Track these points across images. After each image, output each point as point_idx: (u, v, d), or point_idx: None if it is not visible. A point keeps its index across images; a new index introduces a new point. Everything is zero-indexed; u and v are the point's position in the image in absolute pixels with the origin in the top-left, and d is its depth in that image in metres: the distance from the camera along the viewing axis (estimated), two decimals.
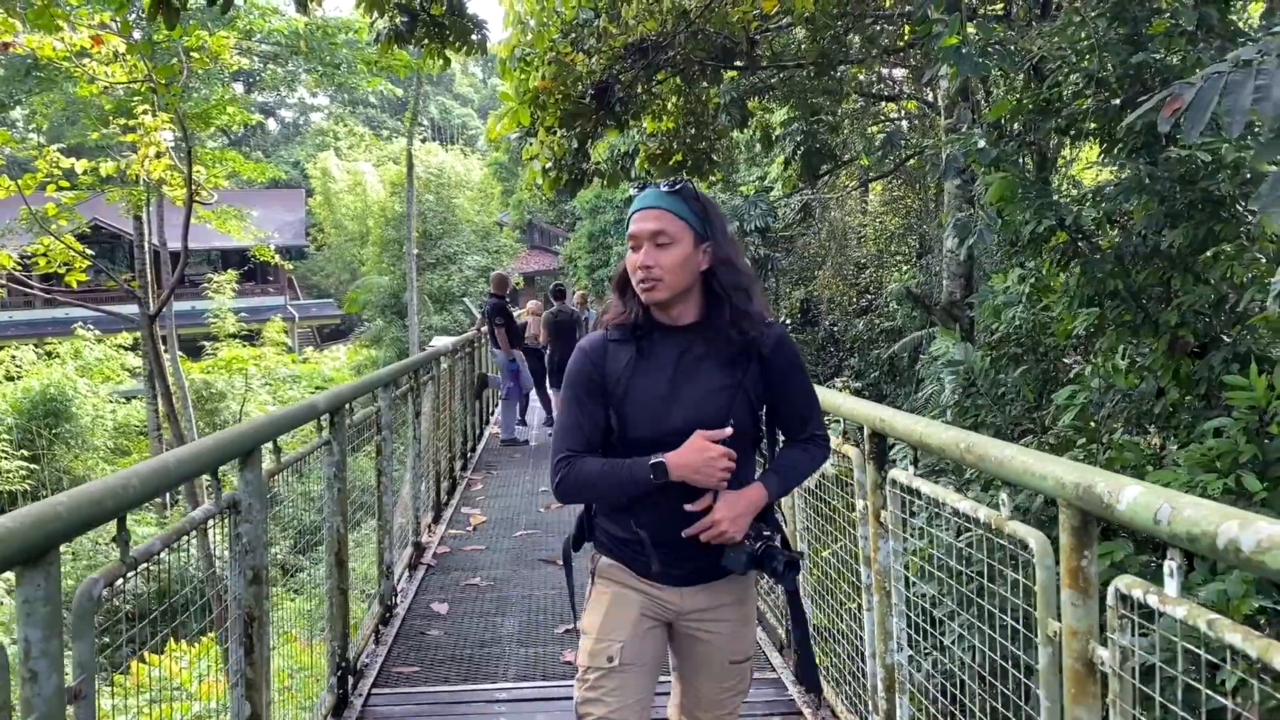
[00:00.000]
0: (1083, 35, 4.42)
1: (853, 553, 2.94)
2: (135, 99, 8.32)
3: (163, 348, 21.31)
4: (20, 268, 8.85)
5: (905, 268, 16.18)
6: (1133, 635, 1.35)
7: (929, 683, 2.38)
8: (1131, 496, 1.30)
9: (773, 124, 13.20)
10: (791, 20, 8.65)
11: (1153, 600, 1.29)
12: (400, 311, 30.85)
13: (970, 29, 4.55)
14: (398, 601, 4.97)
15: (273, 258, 19.87)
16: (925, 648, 2.42)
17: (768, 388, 2.09)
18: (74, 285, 9.75)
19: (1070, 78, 4.45)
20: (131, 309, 18.16)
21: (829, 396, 2.94)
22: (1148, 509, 1.28)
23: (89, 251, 9.97)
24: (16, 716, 1.35)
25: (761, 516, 2.07)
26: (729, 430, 1.98)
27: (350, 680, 3.73)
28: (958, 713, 2.21)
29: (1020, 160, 5.36)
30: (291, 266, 28.60)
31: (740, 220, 14.50)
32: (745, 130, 11.85)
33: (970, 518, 2.04)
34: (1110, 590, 1.45)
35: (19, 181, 8.40)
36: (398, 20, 7.23)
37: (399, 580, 5.24)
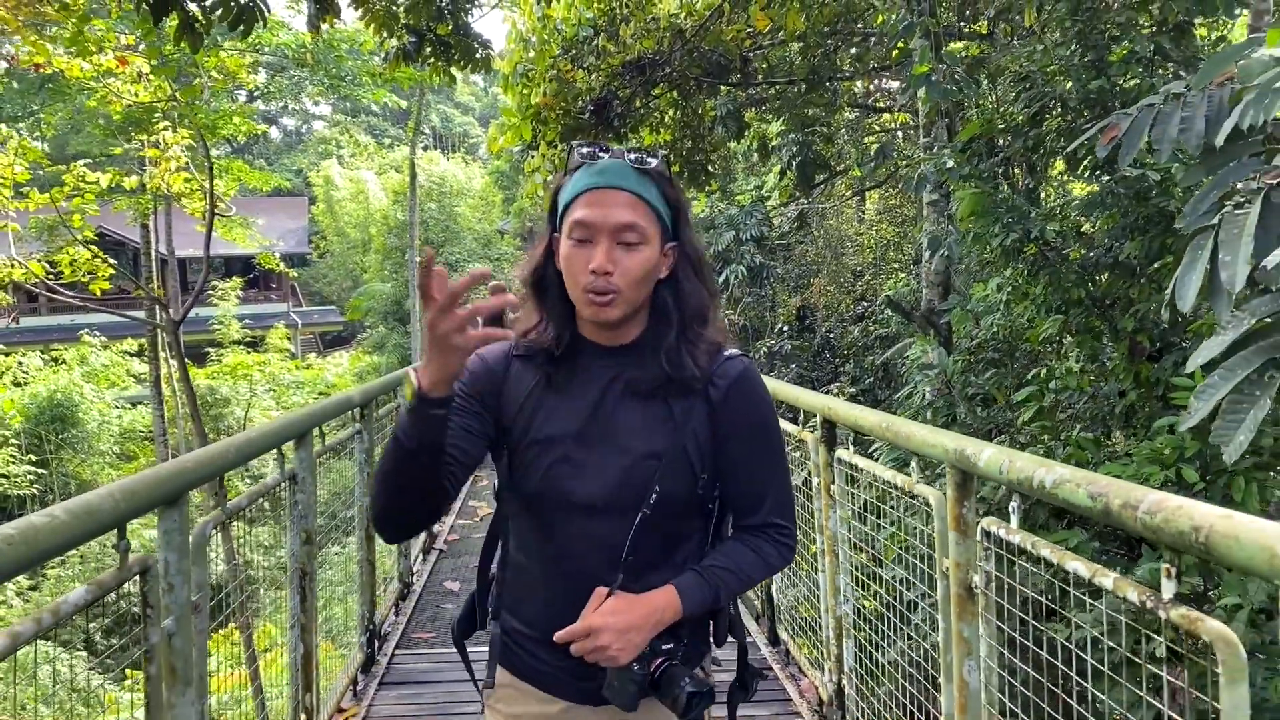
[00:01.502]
0: (1048, 60, 4.75)
1: (810, 524, 3.33)
2: (155, 114, 8.67)
3: (167, 354, 21.63)
4: (51, 276, 9.21)
5: (901, 275, 16.48)
6: (994, 564, 1.72)
7: (867, 626, 2.75)
8: (987, 456, 1.75)
9: (769, 134, 13.54)
10: (784, 37, 8.98)
11: (1002, 532, 1.73)
12: (402, 318, 31.19)
13: (955, 46, 4.87)
14: (414, 580, 5.51)
15: (277, 265, 20.19)
16: (863, 596, 2.82)
17: (716, 444, 1.50)
18: (97, 293, 10.14)
19: (1036, 100, 4.77)
20: (137, 314, 18.45)
21: (787, 390, 3.40)
22: (995, 464, 1.77)
23: (111, 261, 10.33)
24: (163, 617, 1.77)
25: (675, 628, 1.46)
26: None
27: (376, 643, 4.26)
28: (886, 645, 2.58)
29: (1010, 171, 5.68)
30: (295, 274, 28.93)
31: (737, 229, 14.81)
32: (742, 141, 12.19)
33: (890, 484, 2.42)
34: (978, 529, 1.85)
35: (51, 193, 8.77)
36: (406, 40, 7.57)
37: (415, 562, 5.76)
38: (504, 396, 1.54)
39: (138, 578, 1.67)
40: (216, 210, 9.91)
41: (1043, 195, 6.35)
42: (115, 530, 1.56)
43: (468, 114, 63.88)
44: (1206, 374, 1.93)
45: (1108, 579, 1.64)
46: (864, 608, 2.83)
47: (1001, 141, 5.38)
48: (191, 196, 10.07)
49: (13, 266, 8.60)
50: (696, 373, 1.47)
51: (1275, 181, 1.89)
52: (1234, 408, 1.76)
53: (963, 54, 6.50)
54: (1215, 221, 1.91)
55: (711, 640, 1.57)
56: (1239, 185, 1.98)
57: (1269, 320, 1.80)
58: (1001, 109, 4.95)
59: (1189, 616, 1.43)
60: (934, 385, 5.00)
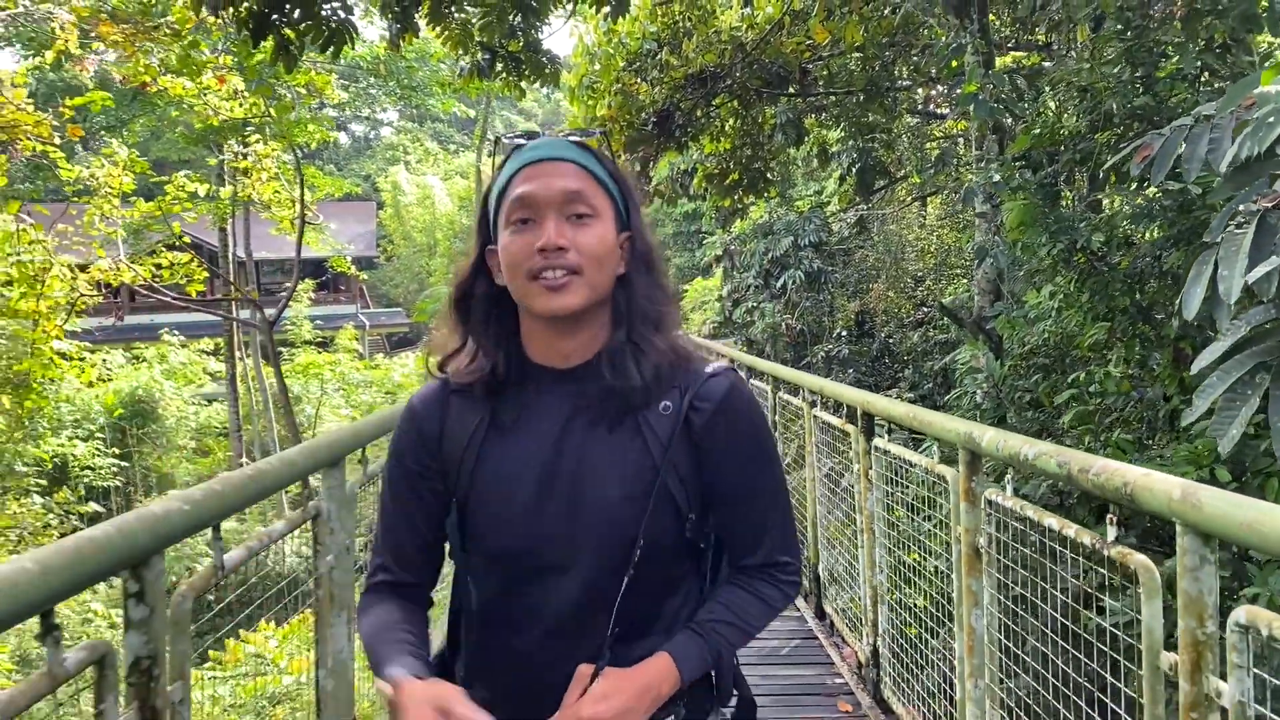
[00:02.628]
0: (1096, 77, 4.93)
1: (852, 505, 3.68)
2: (247, 128, 9.33)
3: (242, 352, 22.50)
4: (155, 279, 9.92)
5: (962, 281, 16.47)
6: (994, 527, 2.02)
7: (899, 592, 3.06)
8: (987, 438, 2.10)
9: (829, 140, 13.71)
10: (843, 49, 9.19)
11: (999, 499, 2.03)
12: None
13: (1008, 58, 5.05)
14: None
15: (348, 268, 20.95)
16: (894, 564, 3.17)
17: (704, 477, 1.29)
18: (193, 294, 10.82)
19: (1086, 114, 4.95)
20: (219, 315, 19.35)
21: (827, 385, 3.77)
22: (993, 443, 2.12)
23: (207, 264, 11.02)
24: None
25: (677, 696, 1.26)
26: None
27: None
28: (913, 605, 2.88)
29: (1072, 178, 5.85)
30: (364, 276, 29.82)
31: (795, 235, 14.99)
32: (801, 147, 12.39)
33: (914, 465, 2.76)
34: (982, 499, 2.18)
35: (157, 201, 9.47)
36: (480, 57, 7.98)
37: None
38: (444, 442, 1.31)
39: (311, 521, 2.18)
40: (305, 218, 10.48)
41: (1105, 204, 6.49)
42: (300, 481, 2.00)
43: (531, 120, 64.83)
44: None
45: (1071, 530, 2.03)
46: (900, 568, 3.20)
47: (1057, 153, 5.55)
48: (280, 204, 10.70)
49: (121, 269, 9.28)
50: (638, 383, 1.25)
51: (1271, 204, 2.10)
52: (1228, 406, 1.99)
53: (1018, 66, 6.67)
54: (1219, 239, 2.13)
55: (715, 698, 1.33)
56: (1240, 207, 2.19)
57: (1264, 328, 2.02)
58: (1053, 123, 5.14)
59: (1123, 552, 1.84)
60: (982, 389, 5.20)
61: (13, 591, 0.94)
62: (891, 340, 18.63)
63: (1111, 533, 1.85)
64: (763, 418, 1.35)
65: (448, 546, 1.35)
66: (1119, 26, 4.85)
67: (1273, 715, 1.44)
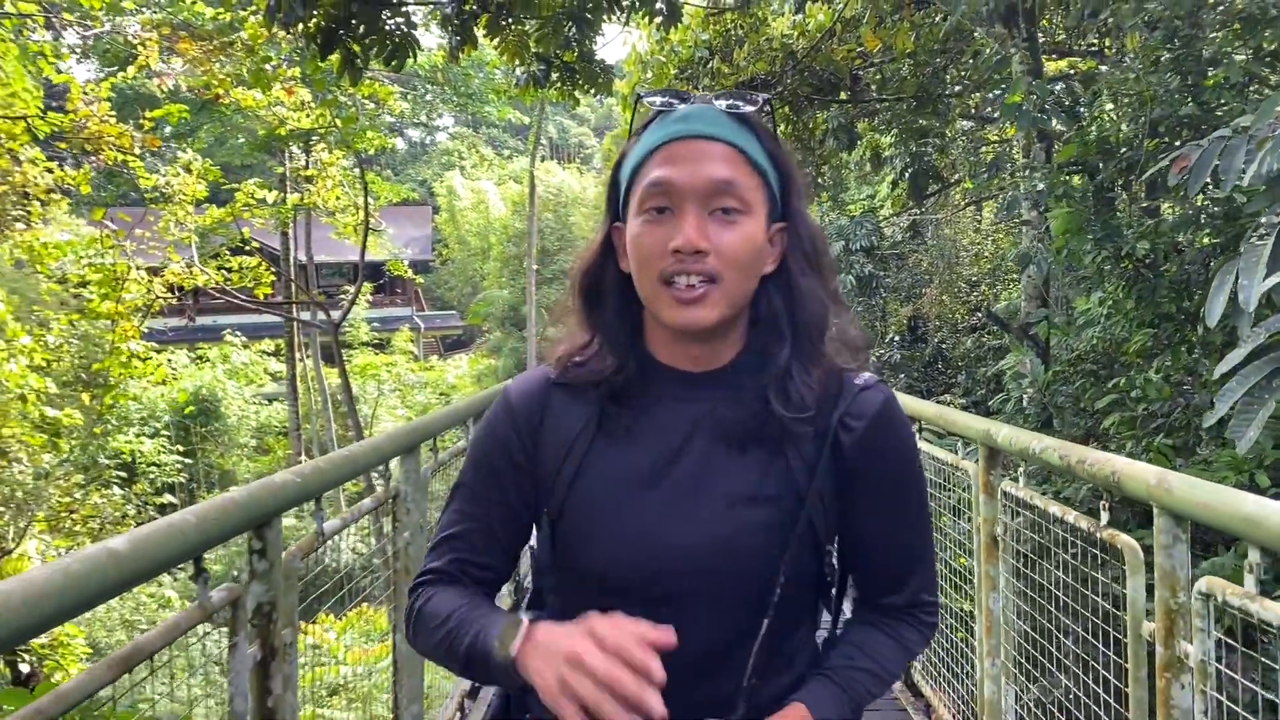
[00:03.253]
0: (1141, 86, 4.99)
1: None
2: (312, 137, 9.79)
3: (302, 353, 23.13)
4: (225, 281, 10.43)
5: (1018, 286, 16.35)
6: (1012, 518, 2.20)
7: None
8: (1001, 433, 2.32)
9: (882, 144, 13.73)
10: (894, 56, 9.26)
11: (1014, 490, 2.21)
12: (519, 324, 32.41)
13: (1060, 64, 5.11)
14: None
15: (405, 272, 21.46)
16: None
17: (846, 504, 1.15)
18: (262, 296, 11.32)
19: (1132, 122, 5.01)
20: (280, 316, 19.98)
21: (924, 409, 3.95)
22: (1008, 439, 2.33)
23: (273, 269, 11.52)
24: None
25: None
26: (671, 638, 0.92)
27: None
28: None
29: (1129, 184, 5.90)
30: (421, 280, 30.44)
31: (846, 240, 15.02)
32: (854, 151, 12.44)
33: (945, 461, 2.96)
34: (999, 491, 2.36)
35: (228, 207, 9.98)
36: (535, 68, 8.24)
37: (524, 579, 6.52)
38: (541, 445, 1.15)
39: (391, 500, 2.43)
40: (370, 224, 10.87)
41: (1165, 210, 6.51)
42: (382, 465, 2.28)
43: (583, 125, 65.36)
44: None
45: (1071, 515, 2.24)
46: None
47: (1105, 161, 5.61)
48: (343, 210, 11.15)
49: (194, 273, 9.77)
50: (811, 408, 1.08)
51: None
52: (1246, 409, 2.10)
53: (1070, 71, 6.71)
54: (1241, 250, 2.23)
55: None
56: (1264, 219, 2.29)
57: (1272, 335, 2.13)
58: (1101, 131, 5.21)
59: (1112, 534, 2.05)
60: (1027, 394, 5.29)
61: (181, 539, 1.16)
62: (945, 346, 18.53)
63: (1104, 518, 2.07)
64: (914, 439, 1.22)
65: (524, 565, 1.23)
66: (1163, 37, 4.91)
67: (1227, 670, 1.63)
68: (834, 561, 1.16)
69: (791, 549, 1.08)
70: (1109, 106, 5.20)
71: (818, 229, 1.16)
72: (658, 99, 1.11)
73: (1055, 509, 2.25)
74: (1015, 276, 17.10)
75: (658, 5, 7.88)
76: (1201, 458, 4.59)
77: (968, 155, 13.71)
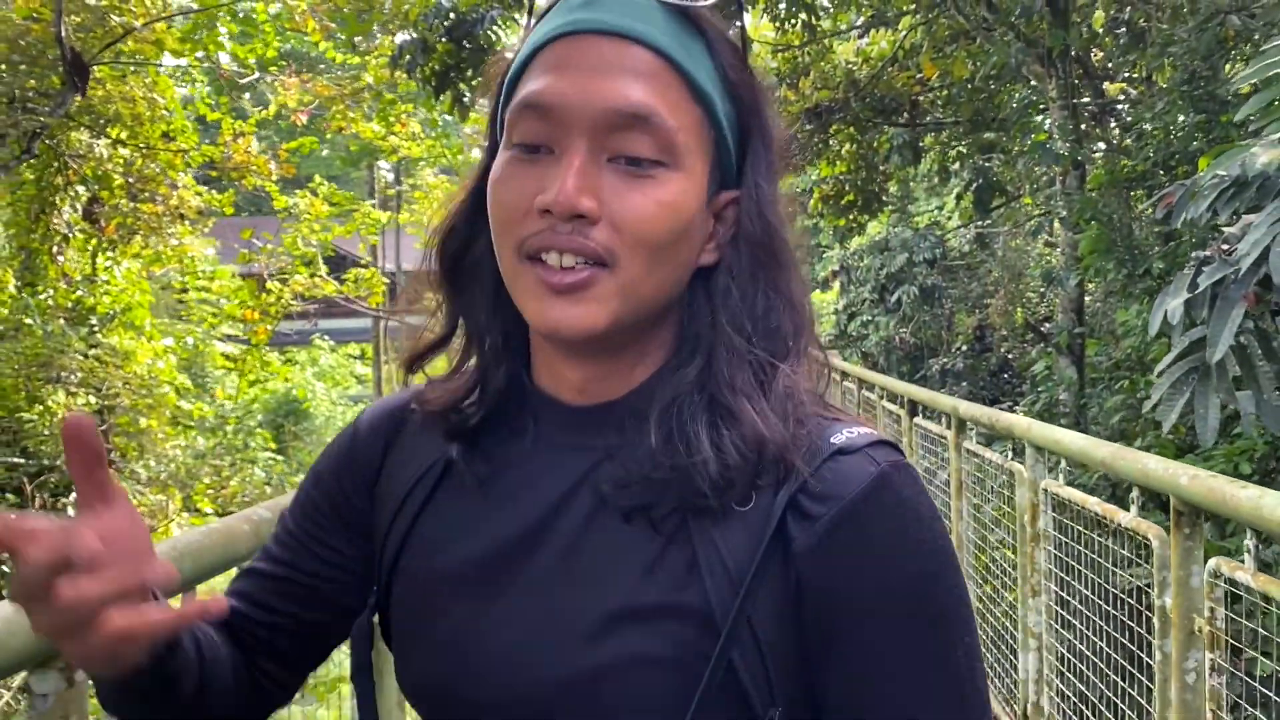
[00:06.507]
0: (1166, 121, 5.60)
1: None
2: (419, 161, 10.87)
3: (385, 357, 24.45)
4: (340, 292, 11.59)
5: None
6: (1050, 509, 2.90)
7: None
8: (1026, 426, 2.91)
9: (949, 156, 14.22)
10: (950, 82, 9.87)
11: (1051, 486, 2.84)
12: None
13: (1114, 87, 5.67)
14: None
15: None
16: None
17: (812, 641, 0.64)
18: (374, 306, 12.50)
19: (1152, 155, 5.62)
20: (360, 324, 21.30)
21: (915, 391, 4.62)
22: (1027, 431, 2.98)
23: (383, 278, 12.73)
24: None
25: None
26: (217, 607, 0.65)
27: None
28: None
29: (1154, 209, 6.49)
30: None
31: (910, 252, 15.51)
32: (921, 164, 12.98)
33: (991, 461, 3.61)
34: (1041, 485, 2.99)
35: (347, 225, 11.19)
36: None
37: None
38: (378, 494, 0.79)
39: None
40: None
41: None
42: None
43: None
44: None
45: (1097, 506, 2.81)
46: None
47: (1131, 187, 6.21)
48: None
49: (321, 283, 10.94)
50: (714, 473, 0.64)
51: (1211, 252, 2.84)
52: (1169, 398, 2.76)
53: (1103, 102, 7.29)
54: (1174, 278, 2.89)
55: None
56: (1193, 255, 2.94)
57: (1197, 342, 2.79)
58: (1123, 162, 5.82)
59: (1137, 521, 2.56)
60: (1054, 396, 5.90)
61: None
62: (1010, 356, 18.83)
63: (1133, 509, 2.56)
64: (939, 542, 0.66)
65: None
66: (1184, 77, 5.51)
67: (1232, 639, 2.04)
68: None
69: (699, 709, 0.62)
70: (1128, 141, 5.81)
71: (785, 209, 0.74)
72: None
73: (1073, 497, 2.78)
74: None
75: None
76: (1204, 453, 5.24)
77: (1029, 171, 14.12)
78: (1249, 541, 1.93)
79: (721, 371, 0.67)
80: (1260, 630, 2.12)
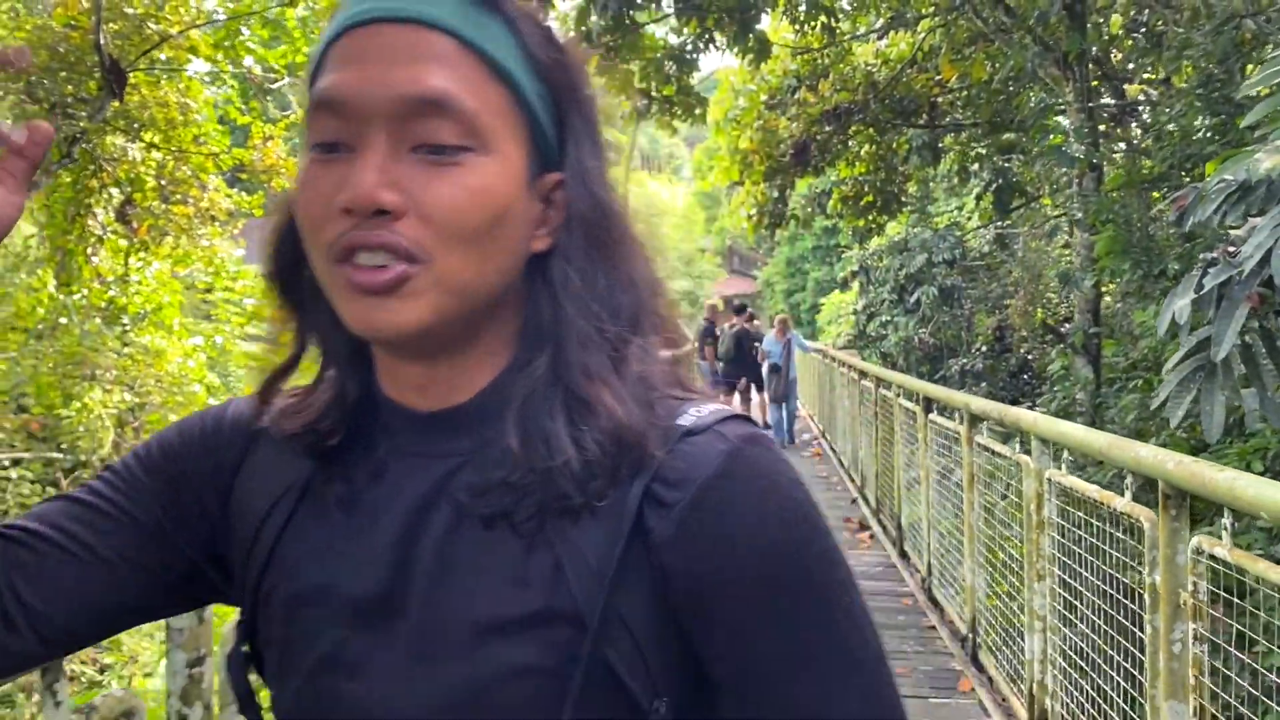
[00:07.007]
0: (1184, 124, 5.66)
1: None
2: None
3: None
4: None
5: (1108, 298, 16.58)
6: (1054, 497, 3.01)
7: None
8: (1032, 419, 3.01)
9: (968, 157, 14.24)
10: (969, 84, 9.94)
11: (1055, 475, 2.94)
12: None
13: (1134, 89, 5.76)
14: None
15: None
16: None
17: (686, 626, 0.63)
18: None
19: (1169, 157, 5.68)
20: None
21: (930, 388, 4.75)
22: (1034, 425, 3.14)
23: None
24: None
25: None
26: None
27: None
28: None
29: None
30: None
31: (929, 252, 15.52)
32: (941, 164, 13.02)
33: (1000, 454, 3.70)
34: (1045, 476, 3.08)
35: None
36: (638, 103, 9.23)
37: None
38: (232, 506, 0.74)
39: None
40: None
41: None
42: None
43: (674, 135, 66.44)
44: None
45: (1094, 491, 2.90)
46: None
47: (1148, 188, 6.27)
48: None
49: None
50: (572, 466, 0.63)
51: (1217, 254, 2.93)
52: (1176, 395, 2.85)
53: (1122, 103, 7.34)
54: (1182, 280, 2.98)
55: None
56: (1200, 256, 3.02)
57: (1203, 341, 2.88)
58: (1140, 163, 5.88)
59: (1131, 506, 2.67)
60: (1070, 396, 5.98)
61: None
62: (1031, 356, 18.80)
63: (1128, 495, 2.68)
64: (802, 509, 0.65)
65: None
66: (1200, 80, 5.57)
67: (1212, 612, 2.20)
68: None
69: (573, 709, 0.60)
70: (1149, 141, 5.87)
71: (614, 188, 0.71)
72: None
73: (1074, 485, 2.93)
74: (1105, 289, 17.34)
75: (750, 43, 8.77)
76: (1218, 450, 5.30)
77: (1048, 172, 14.12)
78: (1225, 520, 2.08)
79: (573, 359, 0.65)
80: (1237, 601, 2.25)
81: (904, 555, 6.31)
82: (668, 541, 0.62)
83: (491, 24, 0.64)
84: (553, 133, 0.67)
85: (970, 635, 4.42)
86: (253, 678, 0.74)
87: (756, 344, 12.61)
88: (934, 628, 5.02)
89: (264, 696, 0.75)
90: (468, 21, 0.63)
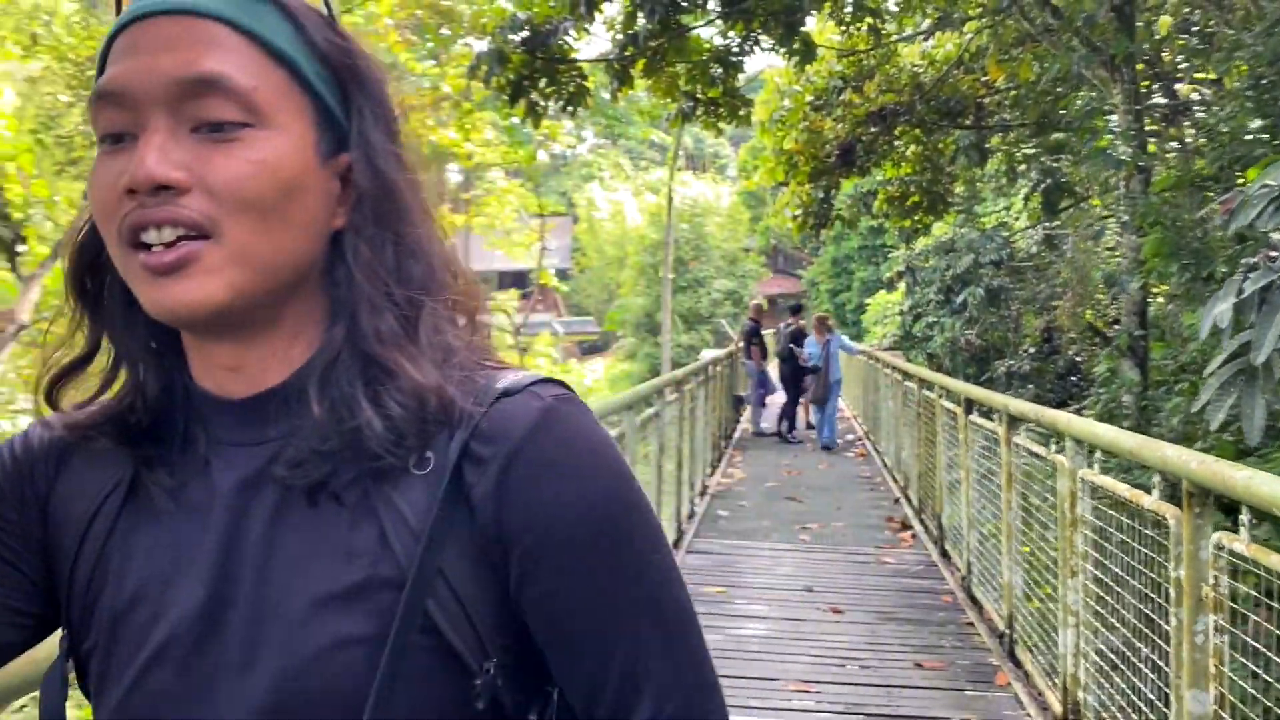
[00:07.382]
0: (1231, 125, 5.62)
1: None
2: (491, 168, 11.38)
3: None
4: None
5: (1159, 300, 16.30)
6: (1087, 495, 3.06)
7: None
8: (1067, 420, 3.06)
9: (1016, 158, 14.09)
10: (1017, 85, 9.88)
11: (1087, 475, 3.01)
12: (653, 330, 33.71)
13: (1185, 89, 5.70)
14: (696, 509, 7.81)
15: (552, 281, 23.08)
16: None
17: (506, 587, 0.66)
18: None
19: (1219, 158, 5.64)
20: None
21: (970, 390, 4.77)
22: (1069, 425, 3.20)
23: None
24: None
25: None
26: None
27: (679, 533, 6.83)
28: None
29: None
30: (567, 289, 32.21)
31: (975, 253, 15.38)
32: (988, 164, 12.92)
33: (1037, 454, 3.74)
34: (1078, 475, 3.13)
35: None
36: (684, 104, 9.32)
37: (694, 501, 8.01)
38: (51, 522, 0.72)
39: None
40: (512, 239, 12.19)
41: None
42: None
43: (719, 135, 66.27)
44: None
45: (1124, 490, 2.97)
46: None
47: (1198, 190, 6.23)
48: (513, 228, 12.67)
49: None
50: (376, 427, 0.65)
51: (1257, 259, 2.96)
52: (1218, 398, 2.89)
53: (1173, 102, 7.27)
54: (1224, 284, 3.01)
55: None
56: (1243, 261, 3.05)
57: (1245, 345, 2.91)
58: (1190, 164, 5.85)
59: (1158, 504, 2.75)
60: (1115, 398, 5.95)
61: None
62: (1079, 359, 18.52)
63: (1156, 494, 2.77)
64: (613, 465, 0.69)
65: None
66: (1250, 82, 5.53)
67: (1234, 605, 2.28)
68: (529, 688, 0.68)
69: (384, 674, 0.61)
70: (1202, 141, 5.83)
71: (406, 165, 0.72)
72: None
73: (1101, 482, 3.06)
74: (1156, 292, 17.03)
75: (795, 45, 8.81)
76: (1263, 453, 5.28)
77: (1095, 174, 13.92)
78: (1244, 516, 2.16)
79: (366, 327, 0.67)
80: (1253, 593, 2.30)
81: (945, 554, 6.43)
82: (485, 497, 0.65)
83: (267, 14, 0.67)
84: (341, 114, 0.70)
85: (1007, 631, 4.50)
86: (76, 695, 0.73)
87: (793, 346, 12.63)
88: (972, 624, 5.10)
89: (86, 715, 0.73)
90: (241, 10, 0.66)
